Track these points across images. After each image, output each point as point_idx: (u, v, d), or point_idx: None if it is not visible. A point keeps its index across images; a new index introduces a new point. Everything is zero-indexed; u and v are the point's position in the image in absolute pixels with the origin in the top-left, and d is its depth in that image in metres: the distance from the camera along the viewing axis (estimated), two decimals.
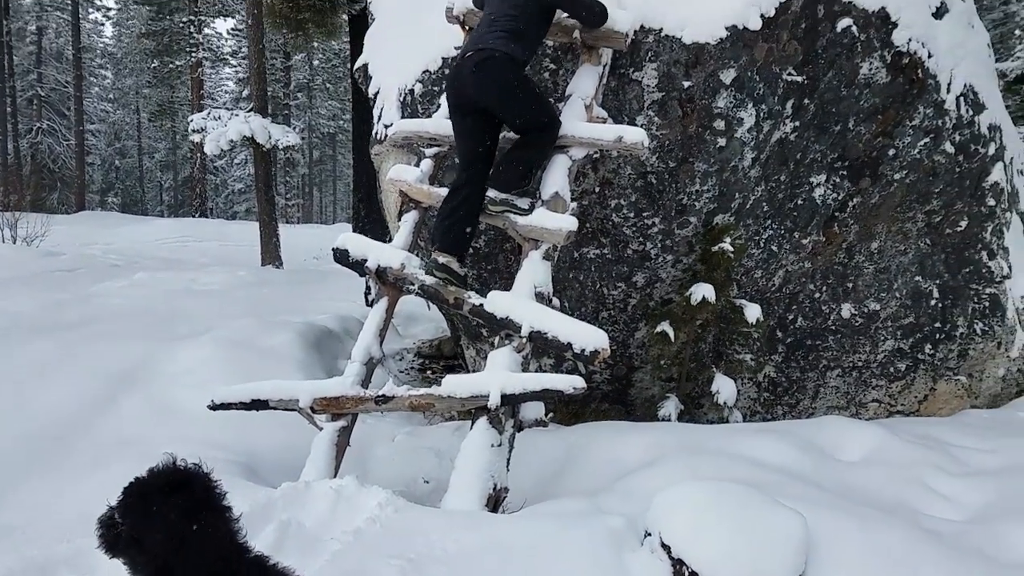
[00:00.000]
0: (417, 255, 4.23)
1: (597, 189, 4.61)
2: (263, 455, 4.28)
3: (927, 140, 4.98)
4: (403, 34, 5.51)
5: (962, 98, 5.06)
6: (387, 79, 5.27)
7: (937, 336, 5.67)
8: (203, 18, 27.55)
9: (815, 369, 5.59)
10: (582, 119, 4.09)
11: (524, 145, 4.05)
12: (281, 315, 7.76)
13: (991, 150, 5.35)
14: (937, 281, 5.57)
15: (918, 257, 5.44)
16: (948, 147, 5.08)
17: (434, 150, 4.41)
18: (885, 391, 5.77)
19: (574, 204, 4.07)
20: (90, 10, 32.01)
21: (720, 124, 4.32)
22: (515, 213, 3.99)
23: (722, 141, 4.37)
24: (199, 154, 24.56)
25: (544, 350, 4.13)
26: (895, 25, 4.57)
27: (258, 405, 3.98)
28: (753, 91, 4.31)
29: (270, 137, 12.58)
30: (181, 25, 27.82)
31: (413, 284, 4.00)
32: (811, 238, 5.09)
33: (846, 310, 5.43)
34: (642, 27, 4.23)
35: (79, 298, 8.93)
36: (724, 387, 4.87)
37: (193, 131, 13.05)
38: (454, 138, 4.19)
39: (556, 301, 4.05)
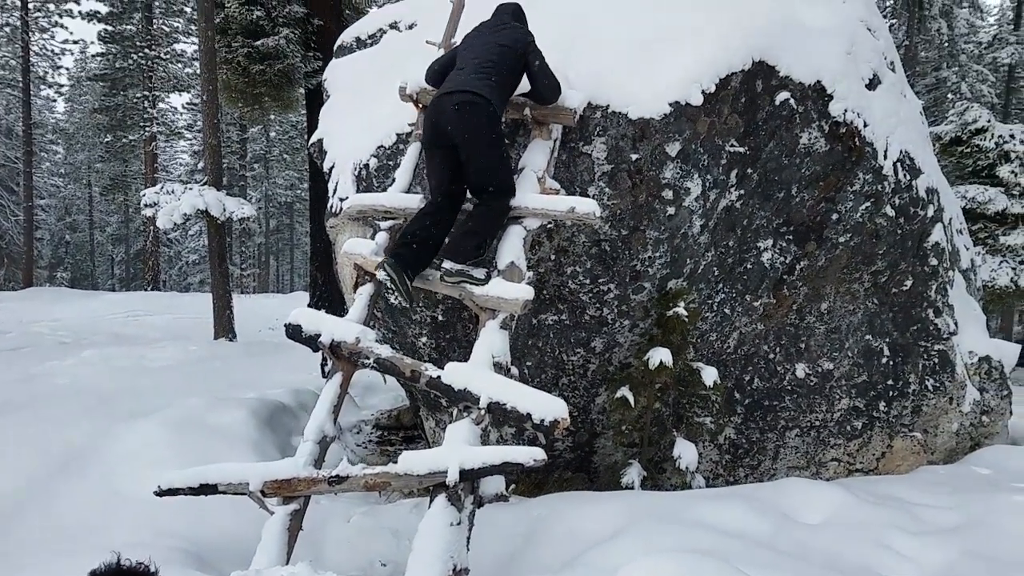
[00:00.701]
0: (373, 327, 4.19)
1: (553, 257, 4.66)
2: (213, 542, 4.11)
3: (868, 204, 5.16)
4: (357, 110, 5.59)
5: (899, 164, 5.28)
6: (342, 154, 5.31)
7: (891, 393, 5.77)
8: (158, 93, 27.61)
9: (774, 430, 5.63)
10: (535, 191, 4.16)
11: (478, 213, 4.08)
12: (233, 391, 7.59)
13: (930, 212, 5.57)
14: (887, 339, 5.69)
15: (867, 316, 5.57)
16: (889, 210, 5.26)
17: (389, 223, 4.42)
18: (843, 449, 5.82)
19: (530, 273, 4.10)
20: (42, 87, 31.81)
21: (668, 194, 4.43)
22: (471, 283, 4.00)
23: (671, 210, 4.47)
24: (152, 227, 24.28)
25: (504, 420, 4.09)
26: (831, 97, 4.78)
27: (206, 490, 3.83)
28: (698, 162, 4.44)
29: (224, 209, 12.53)
30: (135, 100, 27.79)
31: (368, 358, 3.95)
32: (762, 300, 5.19)
33: (800, 370, 5.51)
34: (590, 104, 4.35)
35: (23, 378, 8.65)
36: (686, 452, 4.87)
37: (145, 206, 12.92)
38: (427, 175, 4.27)
39: (515, 370, 4.04)
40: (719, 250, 4.88)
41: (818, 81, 4.73)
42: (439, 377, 3.76)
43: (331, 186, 5.36)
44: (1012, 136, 11.31)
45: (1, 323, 14.96)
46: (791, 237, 5.07)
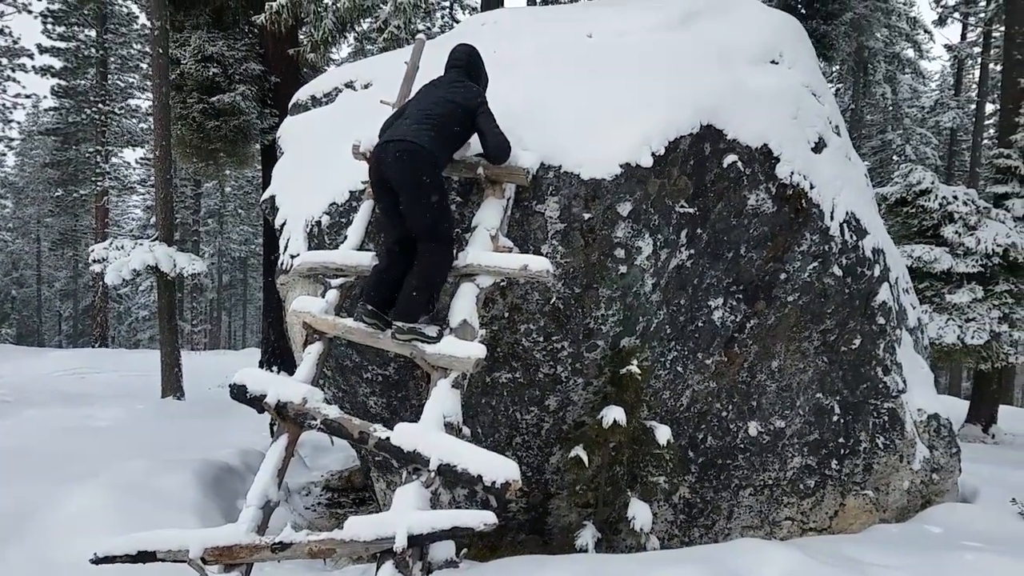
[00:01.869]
0: (323, 387, 4.10)
1: (507, 315, 4.64)
2: None
3: (816, 264, 5.27)
4: (311, 167, 5.58)
5: (845, 225, 5.42)
6: (294, 211, 5.27)
7: (842, 451, 5.81)
8: (111, 148, 27.29)
9: (728, 488, 5.60)
10: (488, 248, 4.16)
11: (420, 266, 4.06)
12: (179, 452, 7.35)
13: (876, 271, 5.71)
14: (837, 397, 5.76)
15: (817, 375, 5.64)
16: (836, 270, 5.39)
17: (340, 280, 4.37)
18: (797, 508, 5.81)
19: (483, 331, 4.07)
20: None
21: (620, 252, 4.47)
22: (423, 341, 3.96)
23: (623, 268, 4.50)
24: (100, 283, 23.70)
25: (455, 483, 3.99)
26: (777, 160, 4.92)
27: (145, 557, 3.66)
28: (649, 222, 4.50)
29: (175, 265, 12.30)
30: (87, 155, 27.44)
31: (315, 419, 3.85)
32: (714, 358, 5.22)
33: (753, 428, 5.52)
34: (543, 164, 4.40)
35: None
36: (640, 512, 4.79)
37: (94, 261, 12.62)
38: (378, 228, 4.36)
39: (467, 430, 3.97)
40: (671, 308, 4.91)
41: (765, 144, 4.87)
42: (388, 438, 3.68)
43: (282, 243, 5.29)
44: (955, 197, 11.74)
45: None
46: (741, 296, 5.14)
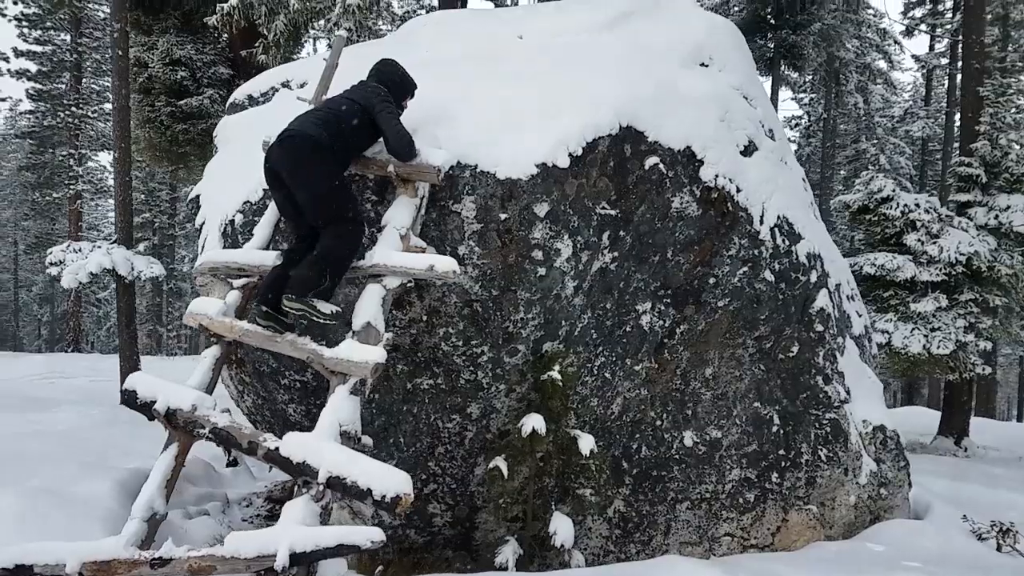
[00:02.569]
0: (243, 393, 3.94)
1: (425, 318, 4.48)
2: None
3: (745, 269, 5.15)
4: (236, 166, 5.41)
5: (776, 229, 5.30)
6: (212, 209, 5.12)
7: (783, 464, 5.67)
8: (84, 152, 27.03)
9: (664, 502, 5.45)
10: (397, 248, 4.02)
11: (320, 244, 3.93)
12: (117, 459, 7.14)
13: (812, 277, 5.59)
14: (776, 407, 5.62)
15: (754, 383, 5.50)
16: (768, 275, 5.26)
17: (242, 281, 4.21)
18: (737, 524, 5.65)
19: (389, 335, 3.91)
20: None
21: (538, 254, 4.33)
22: (314, 317, 3.85)
23: (542, 270, 4.36)
24: (86, 284, 23.40)
25: (344, 496, 3.82)
26: (701, 162, 4.80)
27: (22, 571, 3.48)
28: (568, 223, 4.36)
29: (132, 268, 12.08)
30: (62, 158, 27.18)
31: (204, 427, 3.68)
32: (644, 364, 5.08)
33: (688, 438, 5.37)
34: (459, 163, 4.27)
35: None
36: (561, 527, 4.62)
37: (50, 264, 12.40)
38: (283, 216, 4.28)
39: (367, 440, 3.81)
40: (596, 312, 4.77)
41: (688, 147, 4.74)
42: (277, 449, 3.52)
43: (200, 242, 5.13)
44: (917, 205, 11.67)
45: None
46: (669, 300, 5.01)
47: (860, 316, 6.62)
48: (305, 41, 11.18)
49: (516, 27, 5.62)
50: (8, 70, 27.05)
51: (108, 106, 29.02)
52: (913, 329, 11.53)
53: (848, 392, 6.00)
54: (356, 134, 4.11)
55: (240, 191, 4.85)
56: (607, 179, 4.48)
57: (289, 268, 3.97)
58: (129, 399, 3.82)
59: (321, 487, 3.39)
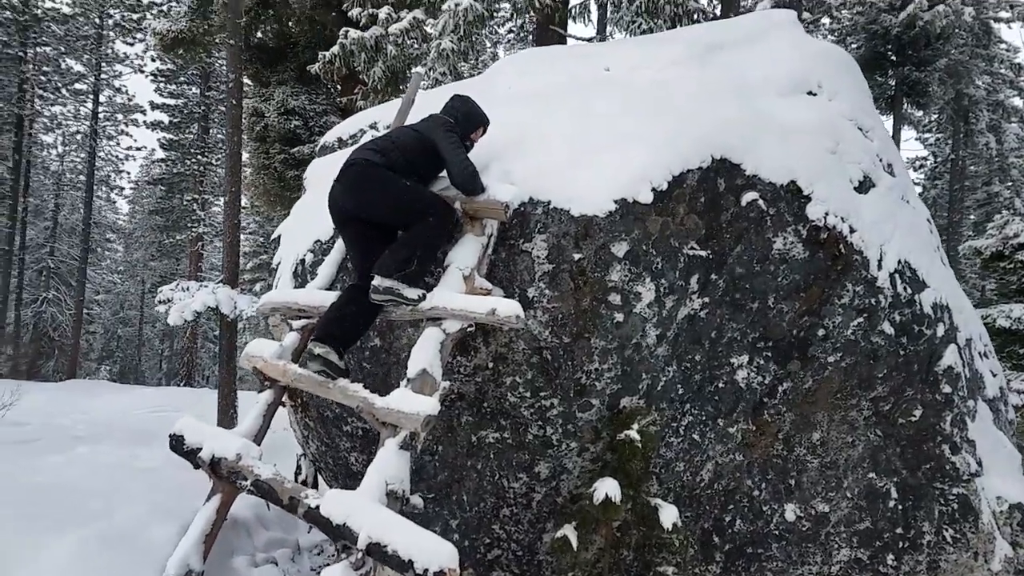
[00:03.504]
0: (307, 439, 3.71)
1: (491, 365, 4.13)
2: None
3: (860, 320, 4.52)
4: (314, 205, 5.31)
5: (897, 275, 4.66)
6: (288, 249, 5.03)
7: (900, 544, 4.91)
8: (207, 196, 28.64)
9: None
10: (460, 290, 3.71)
11: (414, 230, 3.80)
12: (194, 498, 7.09)
13: (939, 331, 4.88)
14: (895, 479, 4.90)
15: (869, 450, 4.81)
16: (887, 328, 4.61)
17: (302, 322, 4.00)
18: None
19: (446, 384, 3.58)
20: (105, 189, 33.60)
21: (616, 298, 3.90)
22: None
23: (619, 316, 3.93)
24: (192, 323, 24.54)
25: (385, 564, 3.47)
26: (808, 199, 4.26)
27: None
28: (650, 265, 3.93)
29: (236, 307, 12.40)
30: (187, 202, 28.89)
31: (247, 479, 3.43)
32: (739, 426, 4.51)
33: (790, 512, 4.73)
34: (531, 199, 3.94)
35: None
36: None
37: (160, 302, 12.92)
38: (348, 252, 4.13)
39: (417, 500, 3.46)
40: (683, 365, 4.28)
41: (792, 181, 4.23)
42: (318, 507, 3.21)
43: (275, 282, 5.01)
44: None
45: (25, 414, 14.87)
46: (770, 354, 4.44)
47: (995, 376, 5.78)
48: (403, 87, 11.30)
49: (601, 61, 5.32)
50: (144, 122, 29.24)
51: None
52: None
53: (980, 464, 5.19)
54: (416, 162, 3.93)
55: (314, 230, 4.72)
56: (696, 216, 4.02)
57: (350, 305, 3.75)
58: (176, 445, 3.63)
59: (361, 554, 3.06)
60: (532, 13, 10.72)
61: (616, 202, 3.84)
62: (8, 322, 29.34)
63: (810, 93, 4.87)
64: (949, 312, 5.03)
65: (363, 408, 3.51)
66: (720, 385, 4.42)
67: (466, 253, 3.83)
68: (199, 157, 27.96)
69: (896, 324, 4.64)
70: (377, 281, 3.63)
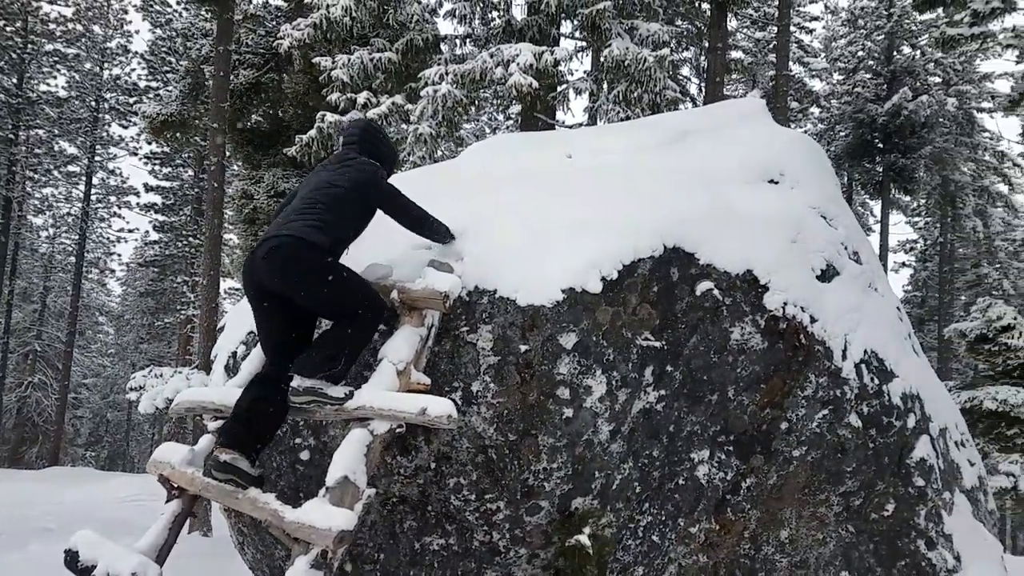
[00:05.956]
0: (243, 546, 3.42)
1: (433, 465, 3.89)
2: None
3: (826, 412, 4.32)
4: None
5: (864, 365, 4.49)
6: (226, 339, 4.80)
7: None
8: (198, 278, 28.59)
9: None
10: (392, 387, 3.48)
11: (337, 330, 3.55)
12: None
13: (910, 422, 4.67)
14: None
15: (841, 548, 4.54)
16: (854, 420, 4.41)
17: (218, 423, 3.76)
18: None
19: (371, 491, 3.32)
20: (95, 272, 33.67)
21: (564, 392, 3.71)
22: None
23: (568, 411, 3.72)
24: (162, 410, 24.15)
25: None
26: (765, 288, 4.13)
27: None
28: (601, 357, 3.75)
29: None
30: (177, 284, 28.83)
31: None
32: (701, 525, 4.25)
33: None
34: (476, 288, 3.79)
35: None
36: None
37: (130, 389, 12.63)
38: (256, 332, 3.76)
39: None
40: (640, 461, 4.04)
41: (749, 270, 4.10)
42: None
43: (211, 378, 4.80)
44: None
45: None
46: (732, 448, 4.22)
47: (973, 465, 5.53)
48: None
49: (567, 147, 5.29)
50: (137, 204, 29.50)
51: (224, 236, 31.00)
52: None
53: (958, 558, 4.90)
54: (354, 223, 3.77)
55: (247, 321, 4.51)
56: (650, 306, 3.87)
57: (258, 404, 3.47)
58: (70, 562, 3.32)
59: None
60: (516, 99, 10.89)
61: (564, 291, 3.70)
62: None
63: (772, 181, 4.81)
64: (920, 402, 4.83)
65: (271, 522, 3.24)
66: (680, 482, 4.17)
67: (400, 346, 3.62)
68: (191, 239, 28.05)
69: (864, 416, 4.44)
70: (297, 382, 3.36)
